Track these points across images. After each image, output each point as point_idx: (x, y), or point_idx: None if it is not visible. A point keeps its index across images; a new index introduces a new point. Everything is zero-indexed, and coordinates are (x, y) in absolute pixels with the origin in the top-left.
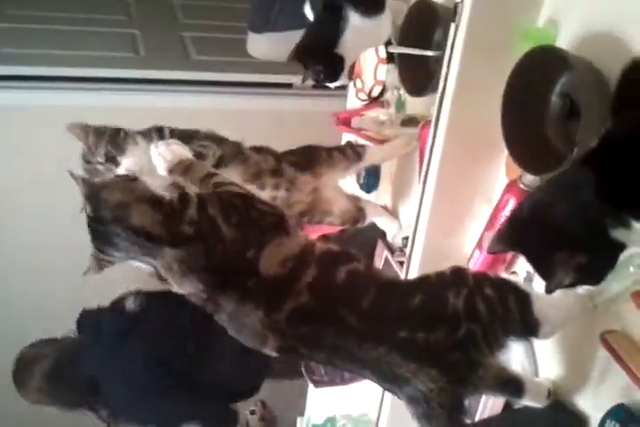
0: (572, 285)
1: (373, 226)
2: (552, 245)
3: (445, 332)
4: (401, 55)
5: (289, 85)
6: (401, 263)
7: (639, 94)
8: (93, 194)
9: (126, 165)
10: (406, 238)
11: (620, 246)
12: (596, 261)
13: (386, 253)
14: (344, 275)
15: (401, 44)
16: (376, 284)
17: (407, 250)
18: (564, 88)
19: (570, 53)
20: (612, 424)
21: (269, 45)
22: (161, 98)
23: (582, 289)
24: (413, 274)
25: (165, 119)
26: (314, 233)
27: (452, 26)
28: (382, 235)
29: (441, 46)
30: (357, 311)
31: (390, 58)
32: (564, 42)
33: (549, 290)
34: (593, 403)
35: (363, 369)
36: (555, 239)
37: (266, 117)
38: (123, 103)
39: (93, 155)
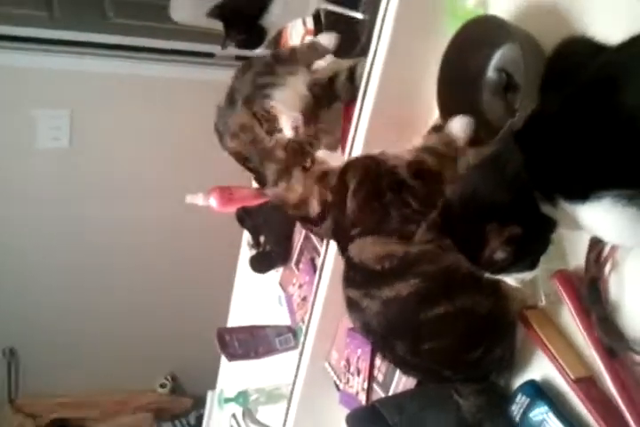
0: (508, 264)
1: None
2: (482, 220)
3: None
4: (328, 18)
5: (211, 55)
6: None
7: (566, 74)
8: (281, 201)
9: (287, 125)
10: None
11: (552, 223)
12: (529, 237)
13: None
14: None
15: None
16: None
17: None
18: (501, 61)
19: (511, 23)
20: (522, 398)
21: (193, 10)
22: (74, 61)
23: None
24: (333, 249)
25: (78, 83)
26: (231, 206)
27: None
28: None
29: (368, 10)
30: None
31: (318, 29)
32: None
33: (484, 265)
34: (509, 376)
35: None
36: (485, 215)
37: (185, 86)
38: (32, 64)
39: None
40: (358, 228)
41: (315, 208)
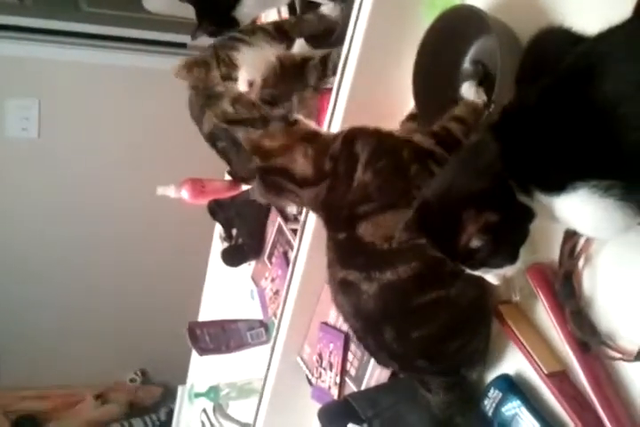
0: (487, 255)
1: None
2: (458, 209)
3: None
4: (303, 7)
5: (183, 45)
6: (294, 231)
7: (543, 65)
8: (255, 146)
9: (244, 77)
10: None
11: (530, 212)
12: (506, 225)
13: (279, 220)
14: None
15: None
16: None
17: (301, 218)
18: (477, 52)
19: (488, 14)
20: (494, 393)
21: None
22: (45, 49)
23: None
24: (306, 242)
25: (51, 72)
26: (203, 198)
27: None
28: None
29: None
30: None
31: None
32: None
33: (462, 257)
34: (481, 369)
35: None
36: (460, 204)
37: (157, 76)
38: (3, 52)
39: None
40: (373, 203)
41: (301, 167)
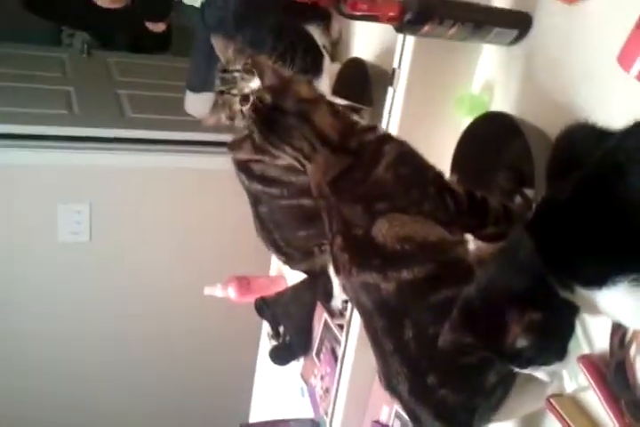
0: (534, 354)
1: (313, 289)
2: (501, 310)
3: None
4: None
5: (226, 144)
6: (340, 327)
7: (573, 161)
8: (283, 84)
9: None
10: (347, 301)
11: (574, 307)
12: (550, 322)
13: (325, 316)
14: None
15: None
16: None
17: (347, 313)
18: (512, 159)
19: (521, 120)
20: None
21: (207, 104)
22: (96, 156)
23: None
24: (353, 338)
25: (101, 176)
26: (250, 296)
27: (390, 89)
28: (322, 297)
29: (370, 101)
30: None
31: None
32: (498, 107)
33: (510, 357)
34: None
35: None
36: (503, 304)
37: (203, 176)
38: (56, 161)
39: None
40: (387, 203)
41: (327, 123)
